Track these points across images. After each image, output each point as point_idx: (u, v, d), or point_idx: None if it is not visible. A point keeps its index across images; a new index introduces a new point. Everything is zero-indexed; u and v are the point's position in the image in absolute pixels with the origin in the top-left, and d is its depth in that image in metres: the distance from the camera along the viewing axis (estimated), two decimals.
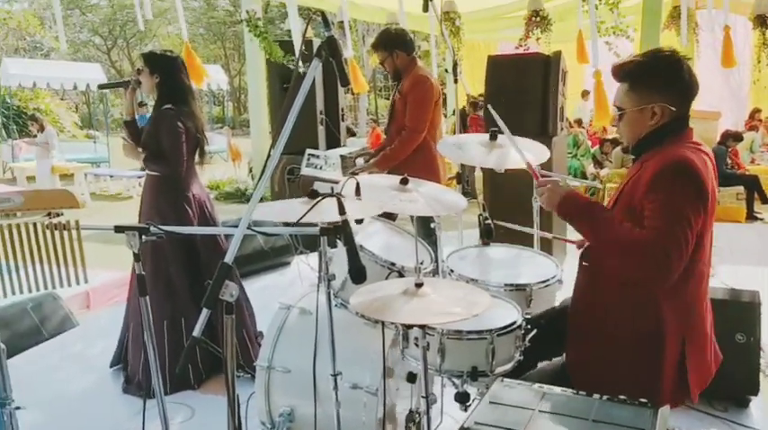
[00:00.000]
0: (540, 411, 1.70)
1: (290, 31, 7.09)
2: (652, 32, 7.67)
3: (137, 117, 3.75)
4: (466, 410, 2.18)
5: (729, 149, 8.68)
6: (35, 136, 11.56)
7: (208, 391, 3.53)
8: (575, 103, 12.87)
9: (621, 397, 1.75)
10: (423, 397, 2.12)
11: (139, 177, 3.31)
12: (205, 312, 1.72)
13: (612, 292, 2.14)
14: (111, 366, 3.86)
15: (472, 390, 2.28)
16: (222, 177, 12.07)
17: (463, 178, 3.86)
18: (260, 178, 1.89)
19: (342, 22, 9.02)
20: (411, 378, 2.35)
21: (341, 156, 4.72)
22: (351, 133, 11.41)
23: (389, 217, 3.11)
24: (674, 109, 2.08)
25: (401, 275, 2.50)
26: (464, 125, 10.10)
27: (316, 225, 2.12)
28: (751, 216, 8.28)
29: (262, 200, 1.99)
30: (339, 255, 2.53)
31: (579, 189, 9.51)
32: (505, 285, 2.62)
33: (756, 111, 11.72)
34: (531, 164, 2.49)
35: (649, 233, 1.94)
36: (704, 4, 10.51)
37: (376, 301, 1.98)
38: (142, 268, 2.17)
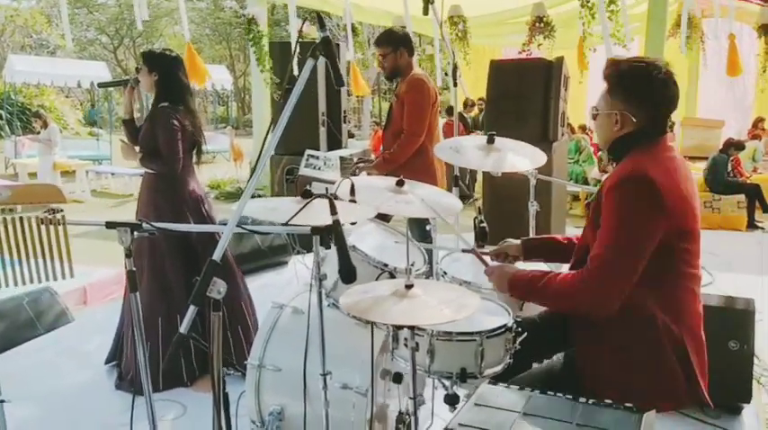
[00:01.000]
0: (524, 414, 1.69)
1: None
2: (656, 40, 7.68)
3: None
4: None
5: (731, 158, 8.66)
6: (38, 132, 11.60)
7: (200, 389, 3.54)
8: (580, 108, 12.86)
9: (607, 401, 1.75)
10: (410, 398, 2.13)
11: (141, 175, 3.35)
12: (192, 309, 1.72)
13: None
14: (106, 363, 3.86)
15: (462, 392, 2.29)
16: (224, 177, 12.09)
17: (460, 180, 3.85)
18: (250, 177, 1.89)
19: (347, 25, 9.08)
20: (397, 378, 2.35)
21: (340, 157, 4.74)
22: (350, 135, 11.42)
23: (384, 218, 3.11)
24: (635, 119, 2.08)
25: (392, 276, 2.50)
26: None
27: (308, 225, 2.13)
28: (752, 224, 8.27)
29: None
30: (332, 256, 2.54)
31: (579, 194, 9.54)
32: None
33: (760, 120, 11.71)
34: (476, 251, 2.53)
35: (585, 273, 2.00)
36: (711, 13, 10.53)
37: (366, 302, 1.98)
38: (139, 265, 2.18)
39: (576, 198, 9.84)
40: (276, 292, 4.48)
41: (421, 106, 4.07)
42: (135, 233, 2.10)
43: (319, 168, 4.24)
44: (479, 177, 9.83)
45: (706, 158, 9.05)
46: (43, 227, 2.16)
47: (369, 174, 4.14)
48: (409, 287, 1.98)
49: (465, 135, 8.29)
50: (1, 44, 27.30)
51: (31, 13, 26.00)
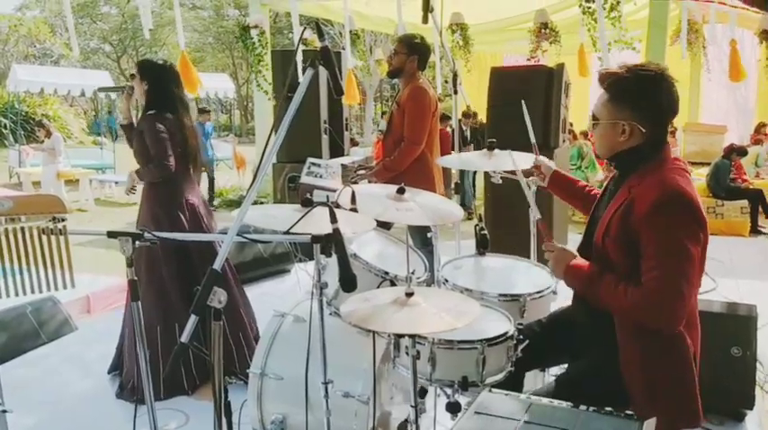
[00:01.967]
0: (525, 422, 1.69)
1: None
2: (657, 46, 7.68)
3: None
4: None
5: (733, 163, 8.65)
6: (42, 141, 11.64)
7: (203, 397, 3.53)
8: (583, 115, 12.84)
9: (608, 408, 1.75)
10: (412, 406, 2.12)
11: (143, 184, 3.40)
12: (193, 318, 1.73)
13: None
14: (109, 372, 3.86)
15: (464, 400, 2.28)
16: (226, 185, 12.11)
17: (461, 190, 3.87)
18: (251, 185, 1.90)
19: (350, 31, 9.11)
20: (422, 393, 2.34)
21: (342, 165, 4.74)
22: (354, 143, 11.44)
23: (385, 226, 3.11)
24: (644, 130, 2.06)
25: (393, 284, 2.50)
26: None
27: (309, 233, 2.13)
28: (755, 230, 8.25)
29: None
30: (334, 264, 2.53)
31: None
32: (499, 295, 2.62)
33: (762, 125, 11.69)
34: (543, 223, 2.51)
35: (648, 288, 1.93)
36: (711, 19, 10.54)
37: (367, 310, 1.98)
38: (137, 274, 2.19)
39: None
40: (278, 300, 4.47)
41: (422, 115, 4.08)
42: (136, 242, 2.11)
43: (321, 176, 4.23)
44: (479, 183, 9.85)
45: (708, 164, 9.04)
46: (45, 236, 2.17)
47: (369, 181, 4.15)
48: (410, 295, 1.98)
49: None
50: (5, 53, 27.45)
51: (35, 22, 26.17)
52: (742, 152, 8.97)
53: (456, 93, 3.88)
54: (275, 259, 5.95)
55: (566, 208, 6.04)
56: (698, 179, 8.98)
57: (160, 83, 3.59)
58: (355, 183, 4.11)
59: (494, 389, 1.97)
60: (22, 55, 26.90)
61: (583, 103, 10.07)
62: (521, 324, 2.38)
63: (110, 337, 3.98)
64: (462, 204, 3.82)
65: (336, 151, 7.68)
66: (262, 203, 7.15)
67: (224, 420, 1.93)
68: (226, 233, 1.92)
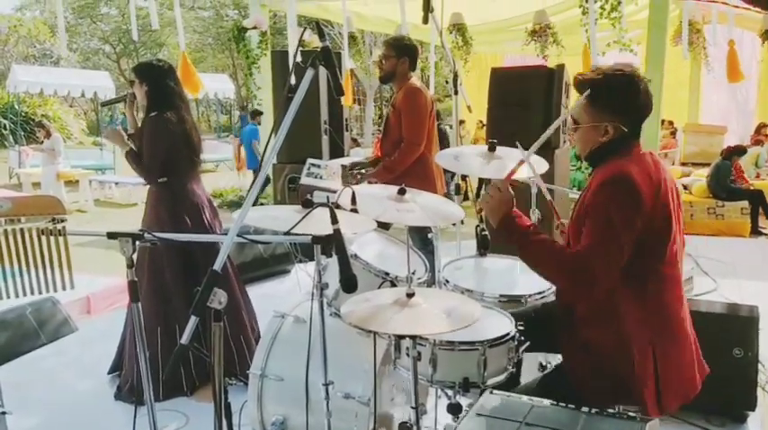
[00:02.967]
0: (526, 423, 1.69)
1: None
2: (657, 47, 7.67)
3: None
4: None
5: (733, 164, 8.64)
6: (42, 142, 11.62)
7: (203, 399, 3.53)
8: None
9: (610, 410, 1.74)
10: (413, 408, 2.12)
11: (144, 184, 3.38)
12: (193, 319, 1.72)
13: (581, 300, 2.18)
14: (109, 373, 3.85)
15: (465, 401, 2.28)
16: (227, 186, 12.10)
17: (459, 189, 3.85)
18: (251, 186, 1.89)
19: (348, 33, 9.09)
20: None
21: (342, 165, 4.73)
22: (356, 143, 11.42)
23: (384, 227, 3.11)
24: (626, 129, 2.13)
25: (394, 285, 2.49)
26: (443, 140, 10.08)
27: (309, 234, 2.13)
28: (755, 231, 8.22)
29: None
30: (334, 264, 2.53)
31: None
32: (500, 296, 2.62)
33: (762, 125, 11.67)
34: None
35: (576, 251, 2.04)
36: (711, 19, 10.53)
37: (367, 311, 1.98)
38: (139, 273, 2.18)
39: None
40: (278, 301, 4.46)
41: (419, 115, 4.07)
42: (137, 243, 2.10)
43: (321, 177, 4.23)
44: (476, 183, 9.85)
45: (708, 164, 9.03)
46: (44, 237, 2.16)
47: (369, 182, 4.14)
48: (411, 296, 1.98)
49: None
50: (5, 54, 27.42)
51: (35, 23, 26.16)
52: (741, 152, 8.95)
53: (456, 93, 3.87)
54: (275, 260, 5.94)
55: (566, 208, 6.03)
56: (698, 180, 8.98)
57: (159, 81, 3.59)
58: (357, 182, 4.11)
59: (495, 391, 1.95)
60: (21, 55, 26.87)
61: None
62: (521, 324, 2.37)
63: (110, 338, 3.97)
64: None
65: (336, 152, 7.66)
66: (262, 205, 7.14)
67: (224, 421, 1.92)
68: (226, 234, 1.91)
